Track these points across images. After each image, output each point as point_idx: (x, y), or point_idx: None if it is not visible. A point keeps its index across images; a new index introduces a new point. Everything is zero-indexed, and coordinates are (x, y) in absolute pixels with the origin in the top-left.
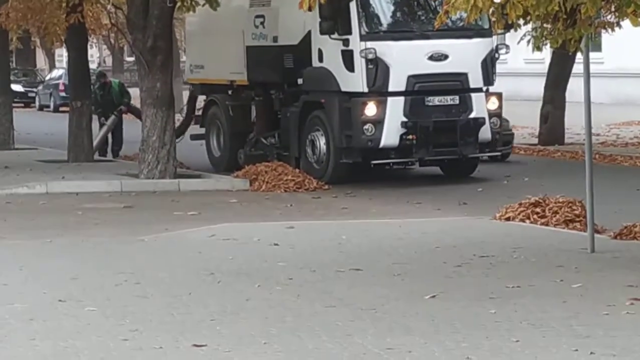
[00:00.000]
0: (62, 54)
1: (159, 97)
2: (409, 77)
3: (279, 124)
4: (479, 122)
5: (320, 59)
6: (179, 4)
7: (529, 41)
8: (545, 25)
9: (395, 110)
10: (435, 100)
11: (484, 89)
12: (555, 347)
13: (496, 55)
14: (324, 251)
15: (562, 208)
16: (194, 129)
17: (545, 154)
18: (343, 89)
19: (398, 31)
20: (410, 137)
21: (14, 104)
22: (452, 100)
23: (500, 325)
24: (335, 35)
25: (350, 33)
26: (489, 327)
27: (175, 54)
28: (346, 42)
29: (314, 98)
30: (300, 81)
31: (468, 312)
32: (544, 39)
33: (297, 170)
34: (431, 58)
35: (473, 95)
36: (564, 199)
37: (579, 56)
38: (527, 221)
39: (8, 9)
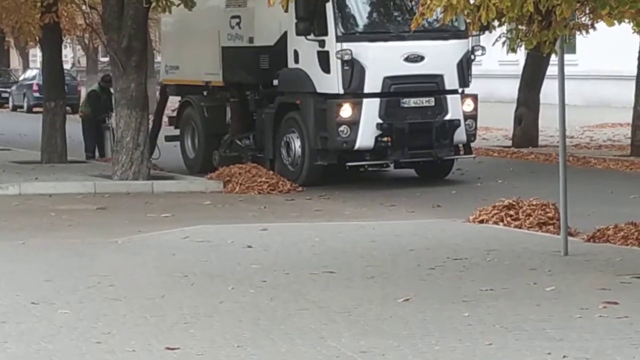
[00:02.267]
0: (36, 54)
1: (133, 97)
2: (385, 78)
3: (254, 126)
4: (454, 124)
5: (296, 60)
6: (154, 4)
7: (504, 43)
8: (520, 27)
9: (370, 112)
10: (411, 102)
11: (460, 90)
12: (528, 350)
13: (472, 57)
14: (297, 253)
15: (536, 211)
16: (169, 130)
17: (519, 156)
18: (319, 90)
19: (374, 32)
20: (385, 139)
21: None
22: (427, 102)
23: (474, 329)
24: (312, 37)
25: (326, 34)
26: (462, 330)
27: (149, 54)
28: (322, 43)
29: (289, 99)
30: (275, 82)
31: (441, 315)
32: (518, 40)
33: (271, 172)
34: (407, 59)
35: (448, 97)
36: (538, 202)
37: (554, 58)
38: (501, 224)
39: None
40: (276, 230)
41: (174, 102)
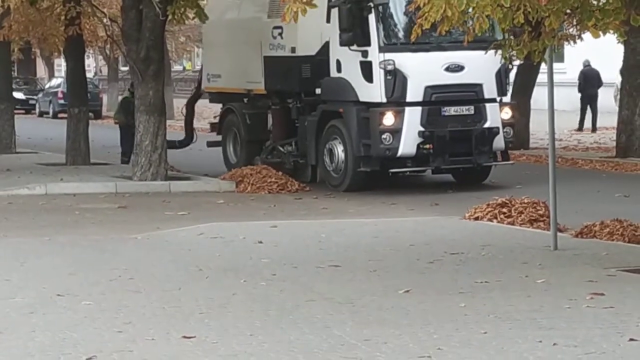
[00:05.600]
0: (60, 64)
1: (151, 104)
2: (426, 87)
3: (295, 132)
4: (493, 132)
5: (339, 70)
6: (170, 17)
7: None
8: (511, 37)
9: (412, 120)
10: (452, 111)
11: (498, 99)
12: (520, 338)
13: (509, 67)
14: (305, 249)
15: (527, 208)
16: (210, 136)
17: (511, 158)
18: (361, 99)
19: (416, 43)
20: (427, 146)
21: (15, 111)
22: (467, 110)
23: (470, 318)
24: (354, 47)
25: (369, 45)
26: (459, 320)
27: (166, 64)
28: (365, 54)
29: (332, 108)
30: (318, 91)
31: (439, 305)
32: (510, 49)
33: (280, 173)
34: (447, 69)
35: (487, 105)
36: (529, 200)
37: (543, 66)
38: (495, 221)
39: (11, 22)
40: (285, 227)
41: (212, 108)
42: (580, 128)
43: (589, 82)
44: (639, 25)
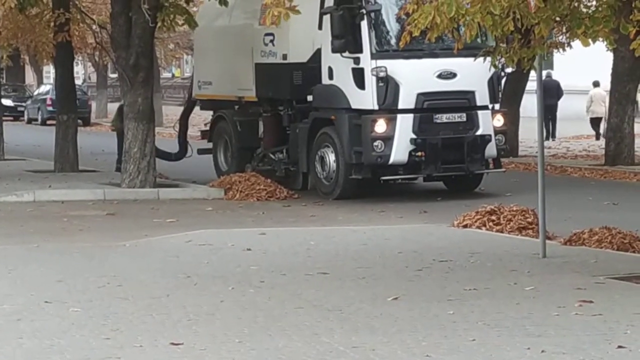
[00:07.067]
0: (49, 71)
1: (140, 111)
2: (418, 95)
3: (286, 140)
4: (485, 139)
5: (330, 77)
6: (159, 24)
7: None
8: (501, 44)
9: (404, 127)
10: (444, 118)
11: (490, 106)
12: (509, 345)
13: (502, 74)
14: (293, 256)
15: (516, 216)
16: (201, 143)
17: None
18: (353, 106)
19: (408, 50)
20: (419, 153)
21: (4, 118)
22: (459, 117)
23: (458, 325)
24: (347, 54)
25: (361, 51)
26: (447, 327)
27: (155, 71)
28: (357, 61)
29: (323, 115)
30: (309, 98)
31: (428, 313)
32: (499, 57)
33: (269, 181)
34: (440, 76)
35: (480, 112)
36: (518, 208)
37: (533, 74)
38: (483, 228)
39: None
40: (274, 234)
41: (202, 116)
42: (547, 137)
43: (548, 92)
44: (628, 33)
